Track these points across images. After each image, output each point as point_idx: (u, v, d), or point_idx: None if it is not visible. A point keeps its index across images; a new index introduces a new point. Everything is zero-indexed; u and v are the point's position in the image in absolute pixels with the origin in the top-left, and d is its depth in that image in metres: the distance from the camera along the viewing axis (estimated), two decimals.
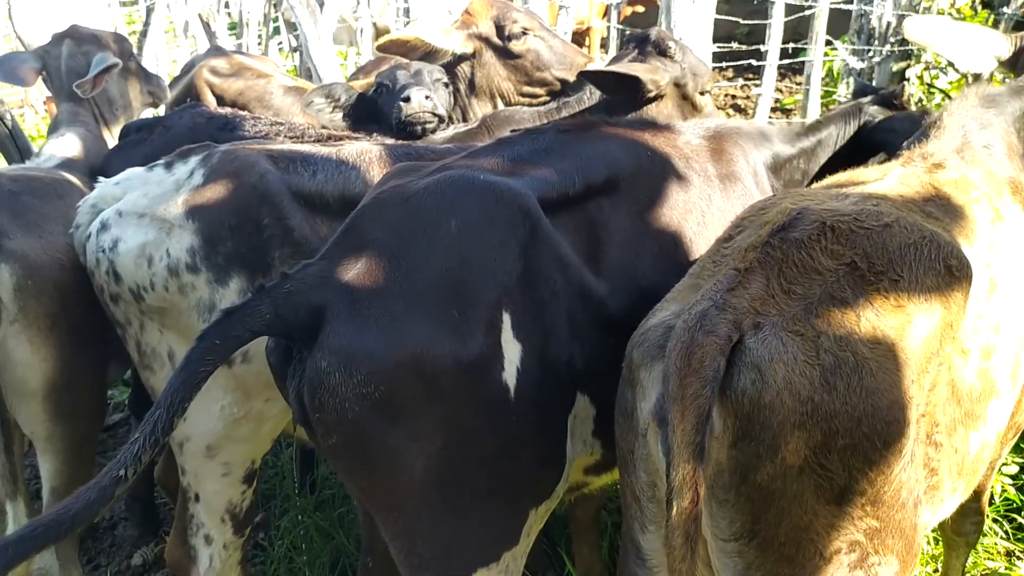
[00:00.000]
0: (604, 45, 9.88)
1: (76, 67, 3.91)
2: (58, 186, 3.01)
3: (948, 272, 1.82)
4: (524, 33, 3.78)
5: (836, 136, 2.88)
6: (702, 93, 3.17)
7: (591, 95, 3.31)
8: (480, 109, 3.91)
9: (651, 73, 3.07)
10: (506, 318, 1.90)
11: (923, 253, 1.81)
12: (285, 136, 3.19)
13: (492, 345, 1.87)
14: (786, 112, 9.45)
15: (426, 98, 3.30)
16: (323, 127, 3.42)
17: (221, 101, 4.74)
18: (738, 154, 2.48)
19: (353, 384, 1.77)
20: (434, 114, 3.33)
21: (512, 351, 1.91)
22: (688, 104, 3.14)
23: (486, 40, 3.84)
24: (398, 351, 1.78)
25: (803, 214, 1.82)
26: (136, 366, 2.71)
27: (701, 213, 2.30)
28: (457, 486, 1.89)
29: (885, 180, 2.19)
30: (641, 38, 3.24)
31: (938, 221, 2.03)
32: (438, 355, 1.79)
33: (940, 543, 3.10)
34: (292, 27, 9.53)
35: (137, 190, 2.56)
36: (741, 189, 2.43)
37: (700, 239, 2.27)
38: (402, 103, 3.31)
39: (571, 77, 3.78)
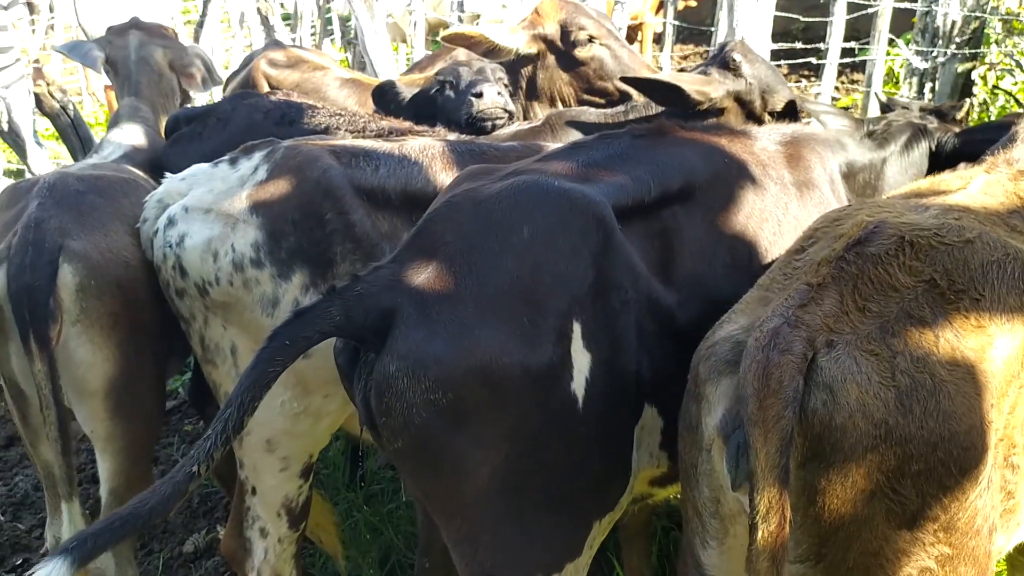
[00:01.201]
0: (659, 41, 9.79)
1: (147, 56, 3.96)
2: (124, 184, 3.01)
3: None
4: (590, 41, 3.73)
5: (901, 157, 2.81)
6: (772, 113, 3.07)
7: None
8: (540, 111, 3.88)
9: (698, 85, 3.00)
10: (576, 327, 1.88)
11: (1006, 271, 1.75)
12: (345, 130, 3.20)
13: (561, 354, 1.85)
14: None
15: (498, 94, 3.30)
16: (383, 119, 3.41)
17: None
18: (815, 161, 2.43)
19: (421, 390, 1.77)
20: (505, 110, 3.33)
21: (581, 361, 1.89)
22: (755, 124, 3.05)
23: (550, 43, 3.81)
24: (467, 358, 1.76)
25: (880, 228, 1.77)
26: (199, 360, 2.73)
27: (777, 222, 2.25)
28: (521, 495, 1.88)
29: (967, 189, 2.11)
30: (719, 49, 3.19)
31: (1023, 235, 1.96)
32: (507, 363, 1.78)
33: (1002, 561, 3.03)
34: (345, 19, 9.56)
35: (202, 186, 2.59)
36: (818, 197, 2.37)
37: (776, 249, 2.22)
38: (473, 99, 3.31)
39: (634, 91, 3.74)
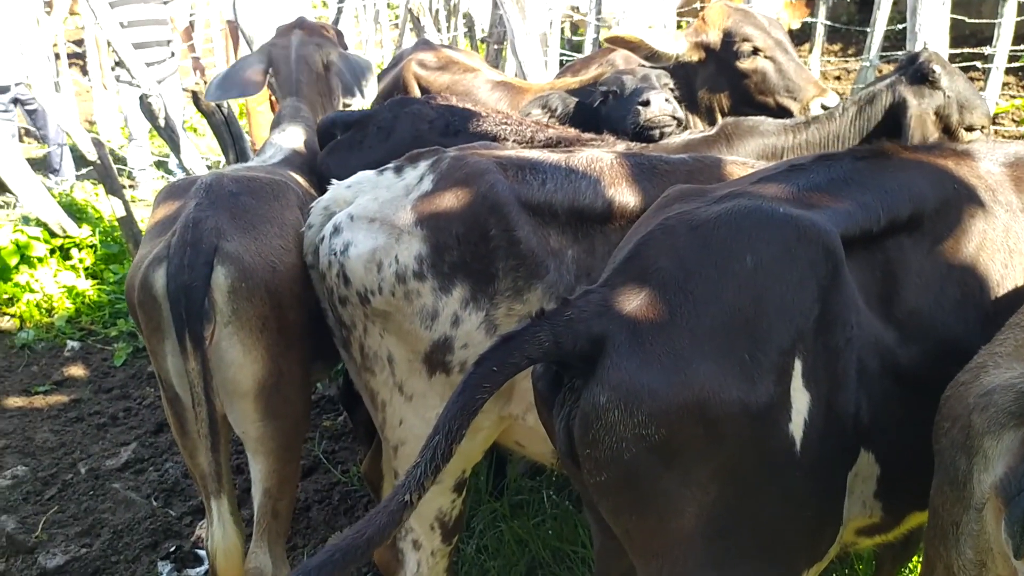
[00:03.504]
0: (800, 41, 9.46)
1: (307, 55, 4.00)
2: (275, 187, 3.03)
3: None
4: (754, 53, 3.58)
5: None
6: (969, 128, 2.87)
7: (842, 112, 3.08)
8: (696, 120, 3.75)
9: (919, 131, 2.84)
10: (798, 365, 1.74)
11: None
12: (513, 140, 3.13)
13: (781, 393, 1.72)
14: (992, 118, 8.73)
15: (666, 101, 3.19)
16: (549, 128, 3.33)
17: (426, 94, 4.77)
18: None
19: (633, 423, 1.67)
20: (673, 117, 3.21)
21: (800, 401, 1.76)
22: (950, 139, 2.86)
23: (712, 52, 3.67)
24: (683, 392, 1.66)
25: None
26: (357, 368, 2.71)
27: (1008, 252, 2.05)
28: (728, 540, 1.76)
29: None
30: (910, 60, 2.99)
31: None
32: (725, 400, 1.66)
33: None
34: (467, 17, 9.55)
35: (368, 194, 2.57)
36: None
37: (1007, 282, 2.03)
38: (641, 107, 3.21)
39: (795, 108, 3.57)
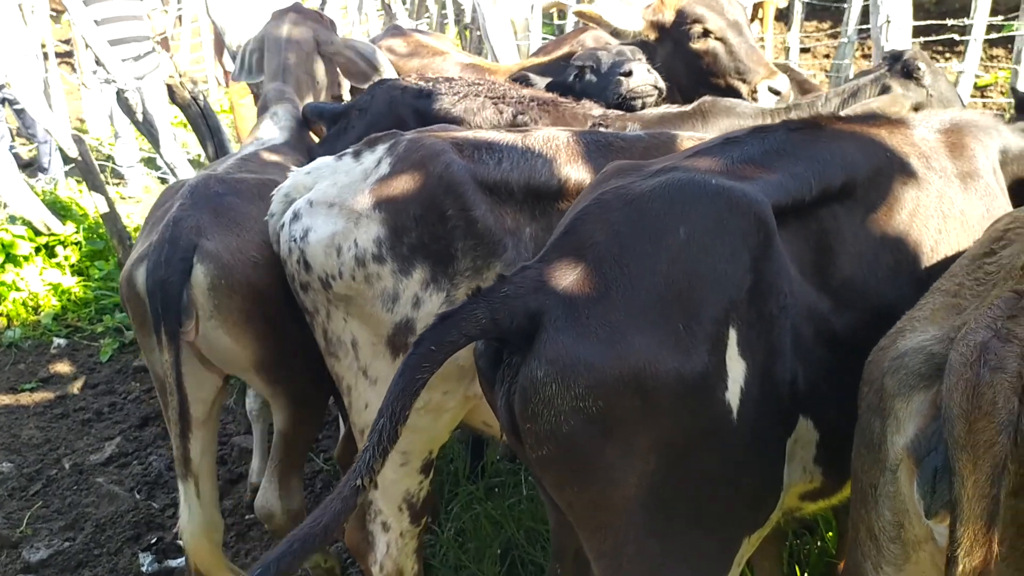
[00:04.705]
0: (780, 18, 9.43)
1: (298, 36, 4.03)
2: (262, 187, 3.05)
3: None
4: (705, 35, 3.61)
5: None
6: None
7: (825, 102, 3.10)
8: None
9: (890, 106, 2.86)
10: (732, 334, 1.76)
11: None
12: (486, 97, 3.14)
13: (716, 363, 1.74)
14: (980, 91, 8.73)
15: (647, 72, 3.22)
16: (524, 88, 3.34)
17: None
18: (978, 149, 2.23)
19: (570, 396, 1.69)
20: (655, 87, 3.26)
21: (736, 370, 1.78)
22: None
23: (666, 31, 3.70)
24: (619, 364, 1.67)
25: None
26: (322, 353, 2.74)
27: (942, 218, 2.07)
28: (669, 509, 1.78)
29: None
30: (894, 57, 3.03)
31: None
32: (660, 371, 1.68)
33: None
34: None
35: (327, 179, 2.59)
36: (983, 188, 2.18)
37: (940, 248, 2.05)
38: (623, 78, 3.26)
39: (744, 90, 3.59)
